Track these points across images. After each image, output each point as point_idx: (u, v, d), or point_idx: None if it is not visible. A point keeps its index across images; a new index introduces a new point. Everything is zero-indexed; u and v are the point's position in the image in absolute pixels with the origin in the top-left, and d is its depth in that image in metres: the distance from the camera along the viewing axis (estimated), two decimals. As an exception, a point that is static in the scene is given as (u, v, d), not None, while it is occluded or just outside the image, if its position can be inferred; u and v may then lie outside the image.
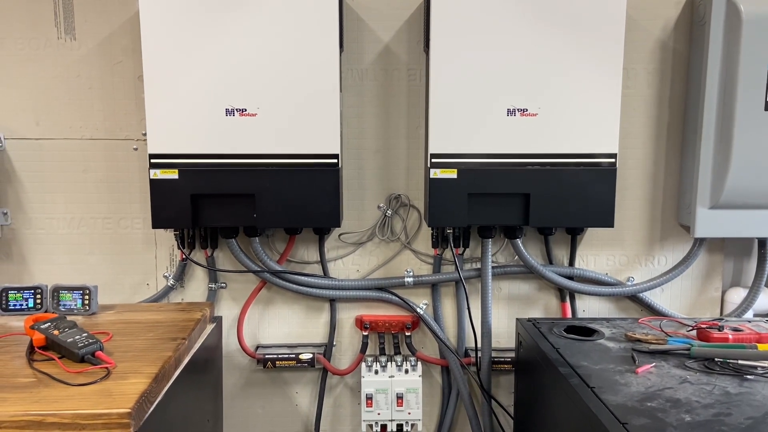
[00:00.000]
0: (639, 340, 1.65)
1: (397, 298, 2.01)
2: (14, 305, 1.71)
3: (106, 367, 1.30)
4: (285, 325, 2.05)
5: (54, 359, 1.35)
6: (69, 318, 1.50)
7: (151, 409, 1.24)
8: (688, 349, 1.54)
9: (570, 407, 1.38)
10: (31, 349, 1.41)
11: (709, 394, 1.31)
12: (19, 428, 1.12)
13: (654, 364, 1.48)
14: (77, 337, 1.38)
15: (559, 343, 1.64)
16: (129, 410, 1.13)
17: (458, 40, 1.74)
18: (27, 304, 1.71)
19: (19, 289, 1.72)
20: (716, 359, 1.49)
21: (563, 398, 1.43)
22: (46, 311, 1.71)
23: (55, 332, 1.40)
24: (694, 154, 1.86)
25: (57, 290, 1.72)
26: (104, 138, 1.93)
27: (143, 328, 1.60)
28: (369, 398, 1.97)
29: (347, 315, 2.06)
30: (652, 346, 1.58)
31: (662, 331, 1.72)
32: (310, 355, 2.00)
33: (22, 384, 1.24)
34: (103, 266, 1.99)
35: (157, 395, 1.28)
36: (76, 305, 1.71)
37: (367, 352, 2.04)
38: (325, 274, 2.02)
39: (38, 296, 1.71)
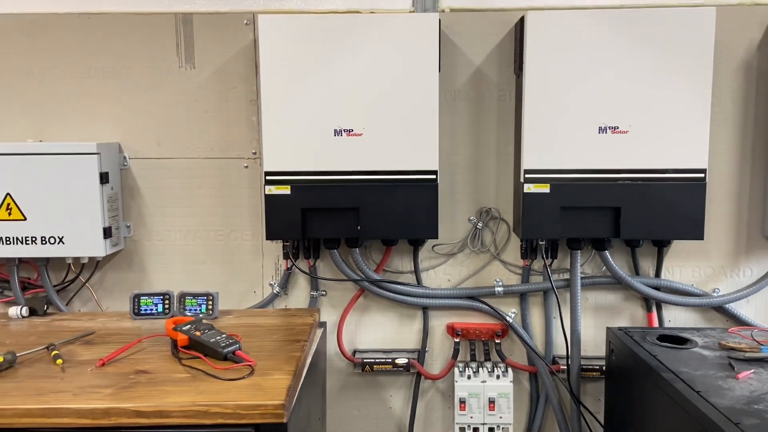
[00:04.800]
0: (733, 349, 1.71)
1: (487, 307, 2.11)
2: (145, 310, 1.89)
3: (250, 365, 1.45)
4: (379, 331, 2.18)
5: (200, 357, 1.50)
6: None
7: (293, 402, 1.37)
8: (784, 357, 1.60)
9: (675, 411, 1.46)
10: (176, 349, 1.56)
11: (812, 399, 1.37)
12: (186, 417, 1.27)
13: (753, 370, 1.54)
14: (218, 337, 1.53)
15: (654, 350, 1.71)
16: (283, 401, 1.27)
17: (551, 61, 1.85)
18: (156, 309, 1.88)
19: (149, 295, 1.89)
20: (813, 367, 1.55)
21: (667, 402, 1.50)
22: (172, 316, 1.88)
23: (197, 333, 1.55)
24: (781, 168, 1.92)
25: (183, 296, 1.88)
26: (218, 157, 2.10)
27: (265, 331, 1.74)
28: (462, 402, 2.07)
29: (438, 322, 2.17)
30: (748, 354, 1.65)
31: (754, 340, 1.78)
32: (406, 360, 2.12)
33: (179, 379, 1.40)
34: (215, 275, 2.15)
35: (296, 390, 1.42)
36: (200, 310, 1.87)
37: (458, 358, 2.14)
38: (419, 283, 2.14)
39: (167, 302, 1.89)
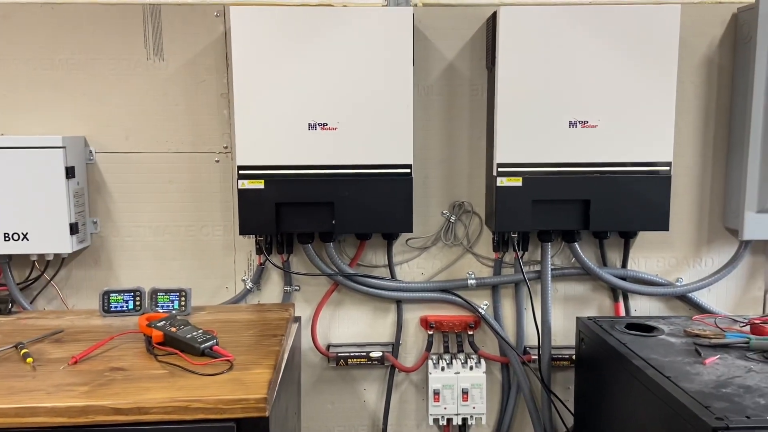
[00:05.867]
0: (698, 336, 1.77)
1: (459, 299, 2.14)
2: (115, 307, 1.85)
3: (228, 360, 1.43)
4: (354, 325, 2.18)
5: (177, 353, 1.48)
6: (176, 318, 1.63)
7: (274, 396, 1.37)
8: (747, 343, 1.67)
9: (646, 396, 1.51)
10: (150, 345, 1.54)
11: (775, 381, 1.44)
12: (166, 413, 1.25)
13: (718, 356, 1.60)
14: (194, 333, 1.51)
15: (624, 338, 1.76)
16: (265, 395, 1.26)
17: (523, 56, 1.88)
18: (127, 306, 1.85)
19: (119, 292, 1.85)
20: (774, 351, 1.62)
21: (638, 388, 1.55)
22: (144, 313, 1.84)
23: (173, 329, 1.53)
24: (741, 162, 1.99)
25: (155, 292, 1.85)
26: (188, 151, 2.07)
27: (241, 326, 1.73)
28: (436, 393, 2.09)
29: (412, 315, 2.19)
30: (713, 341, 1.71)
31: (718, 327, 1.85)
32: (380, 353, 2.12)
33: (157, 375, 1.38)
34: (186, 271, 2.11)
35: (276, 385, 1.41)
36: (173, 306, 1.84)
37: (431, 351, 2.16)
38: (393, 277, 2.15)
39: (137, 298, 1.85)
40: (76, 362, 1.46)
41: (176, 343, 1.51)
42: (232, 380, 1.33)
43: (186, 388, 1.30)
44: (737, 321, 1.89)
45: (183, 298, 1.84)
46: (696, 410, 1.29)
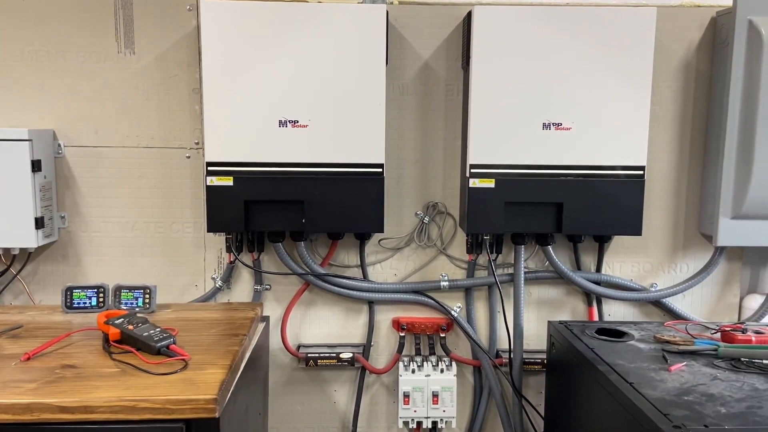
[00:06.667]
0: (667, 342, 1.75)
1: (432, 301, 2.11)
2: (78, 303, 1.82)
3: (183, 359, 1.40)
4: (325, 325, 2.16)
5: (132, 352, 1.45)
6: (136, 315, 1.60)
7: (227, 397, 1.34)
8: (715, 350, 1.65)
9: (609, 402, 1.48)
10: (107, 343, 1.51)
11: (739, 390, 1.42)
12: (112, 413, 1.23)
13: (685, 363, 1.59)
14: (152, 331, 1.49)
15: (592, 343, 1.74)
16: (215, 396, 1.24)
17: (497, 56, 1.86)
18: (90, 303, 1.82)
19: (82, 288, 1.82)
20: (742, 359, 1.60)
21: (602, 394, 1.53)
22: (107, 309, 1.81)
23: (130, 327, 1.50)
24: (716, 167, 1.97)
25: (119, 289, 1.82)
26: (159, 146, 2.04)
27: (204, 325, 1.70)
28: (406, 396, 2.07)
29: (384, 317, 2.16)
30: (681, 347, 1.69)
31: (688, 333, 1.83)
32: (350, 355, 2.10)
33: (108, 374, 1.35)
34: (155, 268, 2.09)
35: (231, 386, 1.39)
36: (137, 304, 1.81)
37: (403, 353, 2.14)
38: (365, 277, 2.12)
39: (101, 295, 1.82)
40: (29, 359, 1.43)
41: (132, 341, 1.48)
42: (183, 380, 1.31)
43: (135, 387, 1.27)
44: (709, 328, 1.88)
45: (147, 296, 1.82)
46: (654, 417, 1.27)
